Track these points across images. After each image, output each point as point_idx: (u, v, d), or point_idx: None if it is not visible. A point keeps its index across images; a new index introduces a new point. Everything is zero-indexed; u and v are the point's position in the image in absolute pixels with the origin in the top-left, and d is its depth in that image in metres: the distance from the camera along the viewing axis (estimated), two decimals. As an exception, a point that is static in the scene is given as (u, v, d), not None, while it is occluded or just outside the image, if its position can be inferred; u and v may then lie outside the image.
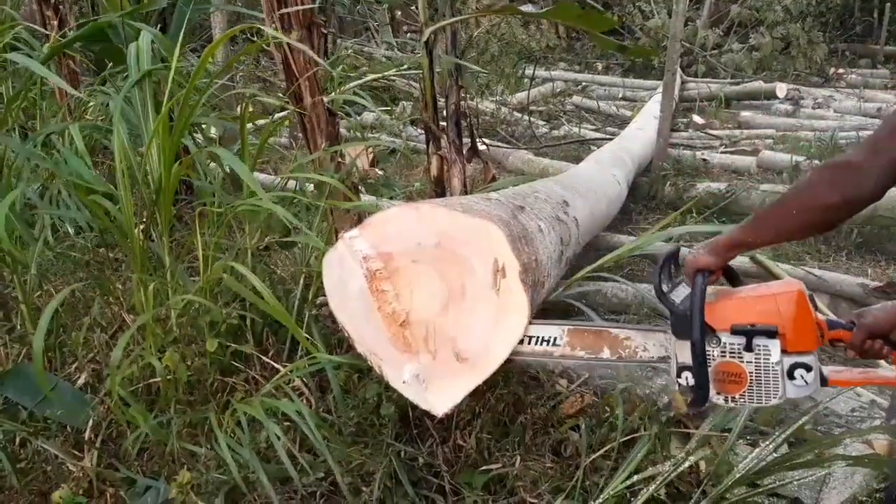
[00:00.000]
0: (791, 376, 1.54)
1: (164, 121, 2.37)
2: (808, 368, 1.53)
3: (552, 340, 1.82)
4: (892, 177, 1.33)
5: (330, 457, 1.97)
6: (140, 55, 2.65)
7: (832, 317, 1.57)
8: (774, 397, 1.56)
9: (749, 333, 1.53)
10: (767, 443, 2.00)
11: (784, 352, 1.53)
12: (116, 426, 2.12)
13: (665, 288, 1.65)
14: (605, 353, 1.81)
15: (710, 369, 1.57)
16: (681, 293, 1.63)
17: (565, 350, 1.82)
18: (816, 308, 1.57)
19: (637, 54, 3.78)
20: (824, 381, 1.59)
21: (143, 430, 2.04)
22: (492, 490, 2.09)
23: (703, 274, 1.58)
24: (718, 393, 1.59)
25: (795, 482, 2.00)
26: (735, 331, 1.55)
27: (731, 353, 1.56)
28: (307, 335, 2.32)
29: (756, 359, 1.54)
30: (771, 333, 1.52)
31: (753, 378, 1.55)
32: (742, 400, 1.58)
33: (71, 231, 2.96)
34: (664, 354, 1.72)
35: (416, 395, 1.81)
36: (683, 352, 1.59)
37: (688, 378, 1.60)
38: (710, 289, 1.60)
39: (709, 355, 1.57)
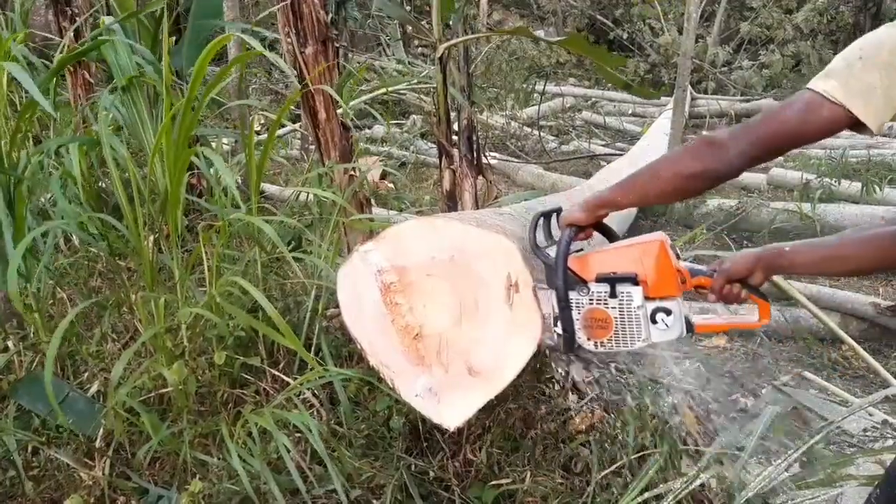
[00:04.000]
0: (654, 321, 1.63)
1: (167, 132, 2.37)
2: (669, 313, 1.61)
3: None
4: (750, 159, 1.44)
5: (335, 470, 1.97)
6: (121, 62, 2.67)
7: (695, 265, 1.65)
8: (639, 340, 1.65)
9: (612, 280, 1.63)
10: (779, 462, 1.99)
11: (647, 298, 1.62)
12: (129, 435, 2.13)
13: (542, 243, 1.76)
14: None
15: (579, 316, 1.66)
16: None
17: None
18: (679, 258, 1.65)
19: (641, 94, 3.89)
20: (691, 328, 1.66)
21: (155, 439, 2.05)
22: (502, 505, 2.09)
23: (572, 228, 1.68)
24: (589, 339, 1.68)
25: (807, 502, 1.99)
26: (600, 279, 1.64)
27: (597, 300, 1.65)
28: (318, 346, 2.32)
29: (620, 304, 1.63)
30: (632, 280, 1.61)
31: (618, 323, 1.64)
32: (609, 344, 1.67)
33: (76, 241, 2.98)
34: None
35: (429, 409, 1.81)
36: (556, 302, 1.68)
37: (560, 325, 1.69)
38: (583, 244, 1.75)
39: (579, 303, 1.66)
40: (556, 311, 1.69)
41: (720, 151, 1.45)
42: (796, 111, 1.37)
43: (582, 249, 1.75)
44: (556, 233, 1.81)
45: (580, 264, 1.65)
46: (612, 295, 1.62)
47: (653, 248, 1.62)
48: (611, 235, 1.81)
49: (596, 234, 1.80)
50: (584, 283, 1.65)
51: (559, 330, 1.69)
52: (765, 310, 1.63)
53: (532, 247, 1.72)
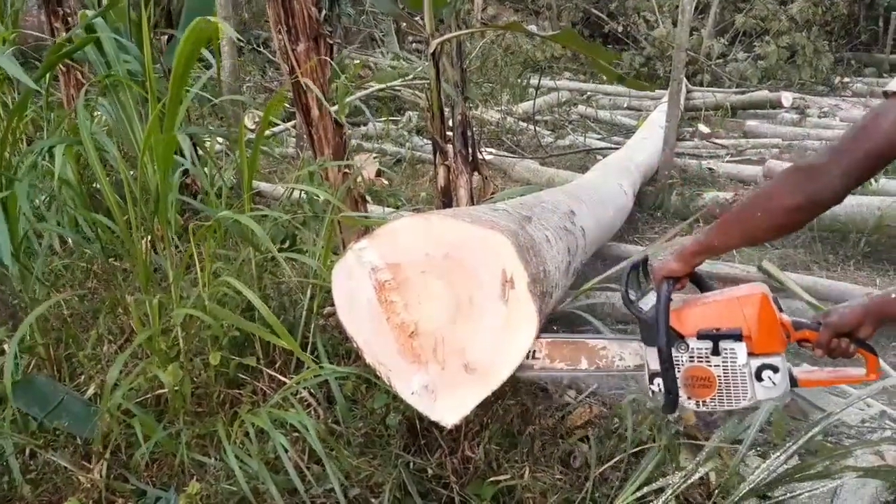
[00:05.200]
0: (759, 378, 1.56)
1: (155, 130, 2.35)
2: (776, 370, 1.55)
3: (531, 354, 1.80)
4: (854, 179, 1.36)
5: (333, 469, 1.97)
6: (106, 60, 2.64)
7: (798, 318, 1.58)
8: (744, 399, 1.58)
9: (715, 337, 1.55)
10: (778, 454, 1.99)
11: (751, 354, 1.55)
12: (126, 437, 2.12)
13: (633, 296, 1.68)
14: (583, 364, 1.81)
15: (679, 374, 1.59)
16: (650, 300, 1.64)
17: (544, 363, 1.82)
18: (781, 310, 1.58)
19: (635, 87, 3.88)
20: (795, 383, 1.60)
21: (152, 440, 2.04)
22: (501, 501, 2.08)
23: (669, 281, 1.61)
24: (689, 398, 1.61)
25: (806, 494, 1.99)
26: (701, 335, 1.57)
27: (699, 357, 1.58)
28: (314, 345, 2.31)
29: (723, 362, 1.56)
30: (736, 336, 1.54)
31: (722, 381, 1.57)
32: (713, 404, 1.60)
33: (71, 243, 2.96)
34: (640, 363, 1.72)
35: (425, 407, 1.81)
36: (653, 358, 1.61)
37: (659, 384, 1.62)
38: (678, 295, 1.63)
39: (677, 361, 1.59)
40: (651, 367, 1.63)
41: (822, 177, 1.35)
42: (893, 121, 1.29)
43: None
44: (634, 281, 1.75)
45: (678, 319, 1.58)
46: (715, 352, 1.55)
47: (755, 301, 1.55)
48: (703, 285, 1.73)
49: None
50: (682, 338, 1.58)
51: (655, 388, 1.63)
52: (873, 364, 1.56)
53: (626, 302, 1.66)
